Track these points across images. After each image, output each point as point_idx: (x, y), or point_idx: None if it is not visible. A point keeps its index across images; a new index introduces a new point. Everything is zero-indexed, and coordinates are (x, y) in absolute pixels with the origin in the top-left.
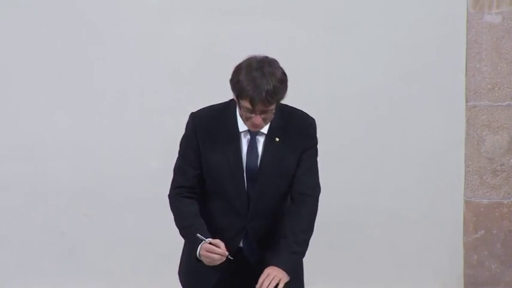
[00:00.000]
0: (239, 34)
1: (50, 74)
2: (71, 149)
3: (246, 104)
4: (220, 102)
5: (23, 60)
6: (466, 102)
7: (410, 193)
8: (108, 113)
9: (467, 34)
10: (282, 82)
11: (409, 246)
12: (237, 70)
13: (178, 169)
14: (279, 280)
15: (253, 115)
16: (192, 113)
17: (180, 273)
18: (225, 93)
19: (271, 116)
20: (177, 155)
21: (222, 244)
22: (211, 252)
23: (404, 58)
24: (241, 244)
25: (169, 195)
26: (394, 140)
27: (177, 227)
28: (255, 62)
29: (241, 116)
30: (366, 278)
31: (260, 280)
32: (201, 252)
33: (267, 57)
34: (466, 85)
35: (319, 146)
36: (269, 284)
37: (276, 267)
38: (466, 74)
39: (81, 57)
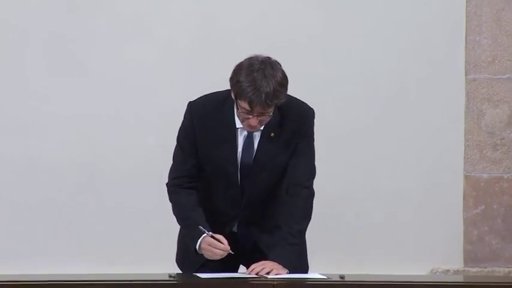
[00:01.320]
0: (236, 10)
1: (47, 48)
2: (68, 125)
3: (244, 105)
4: (221, 90)
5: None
6: (466, 75)
7: (410, 168)
8: (105, 90)
9: (466, 6)
10: (282, 86)
11: (409, 221)
12: (238, 70)
13: (176, 159)
14: (271, 270)
15: (250, 116)
16: (190, 102)
17: (177, 260)
18: (221, 71)
19: (268, 118)
20: (173, 138)
21: (225, 240)
22: (213, 247)
23: (403, 32)
24: (235, 229)
25: (167, 185)
26: (393, 114)
27: (175, 217)
28: (256, 63)
29: (238, 115)
30: (366, 254)
31: (252, 266)
32: (202, 245)
33: (269, 58)
34: (465, 58)
35: (318, 128)
36: (261, 270)
37: (271, 261)
38: (465, 47)
39: (78, 34)
